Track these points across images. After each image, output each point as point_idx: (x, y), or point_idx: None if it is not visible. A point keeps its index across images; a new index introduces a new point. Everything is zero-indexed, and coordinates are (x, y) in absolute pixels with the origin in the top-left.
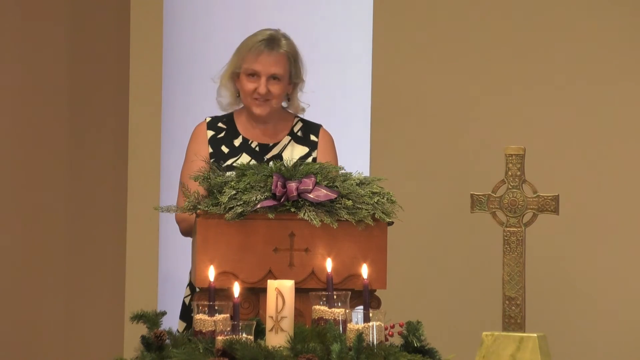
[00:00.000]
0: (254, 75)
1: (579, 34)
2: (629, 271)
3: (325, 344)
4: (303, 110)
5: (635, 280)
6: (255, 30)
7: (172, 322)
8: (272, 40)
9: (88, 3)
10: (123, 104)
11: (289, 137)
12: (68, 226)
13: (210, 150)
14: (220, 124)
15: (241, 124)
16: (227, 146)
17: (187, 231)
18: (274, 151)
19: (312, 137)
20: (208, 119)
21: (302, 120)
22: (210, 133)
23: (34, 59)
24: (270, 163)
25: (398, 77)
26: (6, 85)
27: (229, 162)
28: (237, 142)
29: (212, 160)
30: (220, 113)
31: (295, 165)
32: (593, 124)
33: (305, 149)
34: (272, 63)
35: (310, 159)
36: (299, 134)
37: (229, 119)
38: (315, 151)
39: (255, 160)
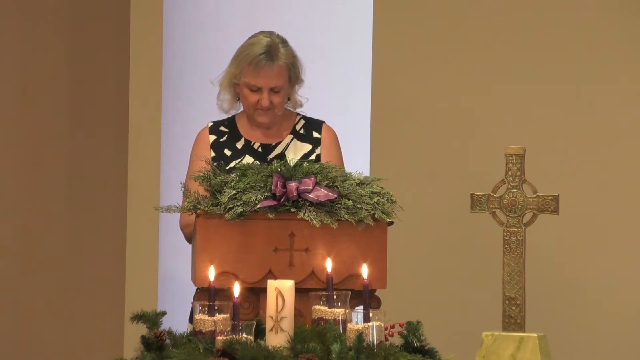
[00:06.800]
0: (255, 88)
1: (579, 34)
2: (629, 271)
3: (325, 344)
4: (301, 104)
5: (635, 280)
6: (255, 30)
7: (173, 322)
8: (271, 52)
9: (88, 3)
10: (123, 104)
11: (292, 136)
12: (68, 226)
13: (213, 154)
14: (222, 128)
15: (243, 126)
16: (229, 149)
17: (191, 237)
18: (277, 150)
19: (315, 134)
20: (210, 124)
21: (304, 117)
22: (213, 137)
23: (34, 59)
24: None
25: (398, 77)
26: (6, 85)
27: (232, 164)
28: (239, 145)
29: (215, 163)
30: (221, 117)
31: (296, 165)
32: (593, 124)
33: (309, 146)
34: (273, 76)
35: (313, 156)
36: (302, 131)
37: (230, 122)
38: (319, 148)
39: (258, 161)
